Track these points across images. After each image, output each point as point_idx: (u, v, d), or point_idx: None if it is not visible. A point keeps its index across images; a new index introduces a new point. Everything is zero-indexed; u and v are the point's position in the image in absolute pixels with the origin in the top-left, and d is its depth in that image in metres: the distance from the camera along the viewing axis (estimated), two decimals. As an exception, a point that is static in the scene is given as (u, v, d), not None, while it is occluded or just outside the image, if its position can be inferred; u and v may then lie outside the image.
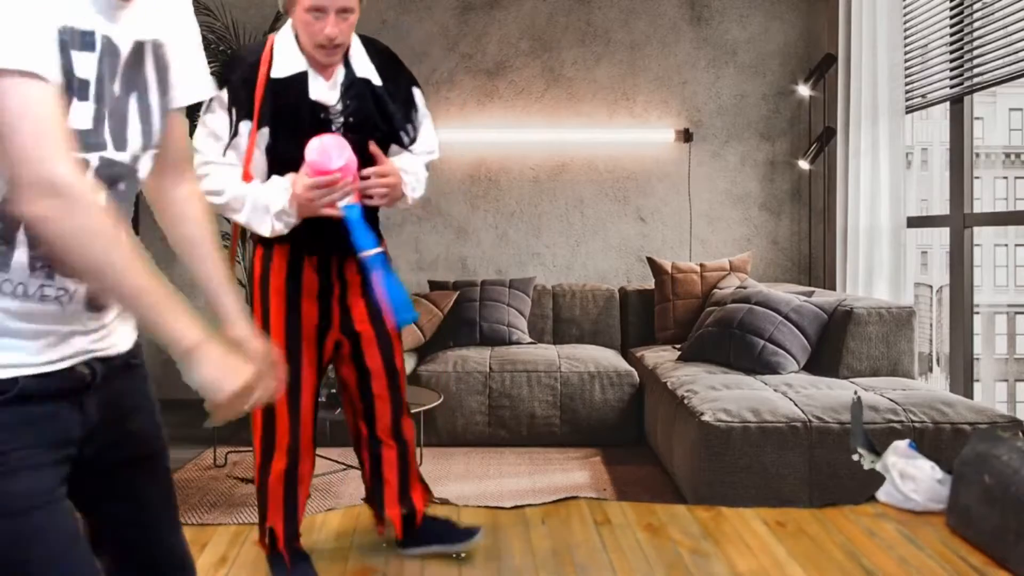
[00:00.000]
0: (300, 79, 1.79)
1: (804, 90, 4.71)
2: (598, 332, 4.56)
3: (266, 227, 1.78)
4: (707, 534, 1.93)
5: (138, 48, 1.03)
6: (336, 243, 1.84)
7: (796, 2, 4.92)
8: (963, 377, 3.43)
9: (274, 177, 1.81)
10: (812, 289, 4.05)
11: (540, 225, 4.97)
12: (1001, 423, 2.71)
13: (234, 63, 1.83)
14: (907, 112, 3.89)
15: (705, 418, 2.76)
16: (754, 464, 2.70)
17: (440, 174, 4.67)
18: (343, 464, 3.42)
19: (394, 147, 1.98)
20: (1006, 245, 13.98)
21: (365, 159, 1.86)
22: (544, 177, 4.97)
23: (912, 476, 2.04)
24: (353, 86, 1.85)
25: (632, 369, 3.98)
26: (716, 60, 4.92)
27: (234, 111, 1.76)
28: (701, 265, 4.43)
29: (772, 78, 4.92)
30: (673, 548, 1.85)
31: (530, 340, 4.43)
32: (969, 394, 3.39)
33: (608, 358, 4.09)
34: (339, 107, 1.83)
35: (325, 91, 1.82)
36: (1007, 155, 14.45)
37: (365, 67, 1.87)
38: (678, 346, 4.08)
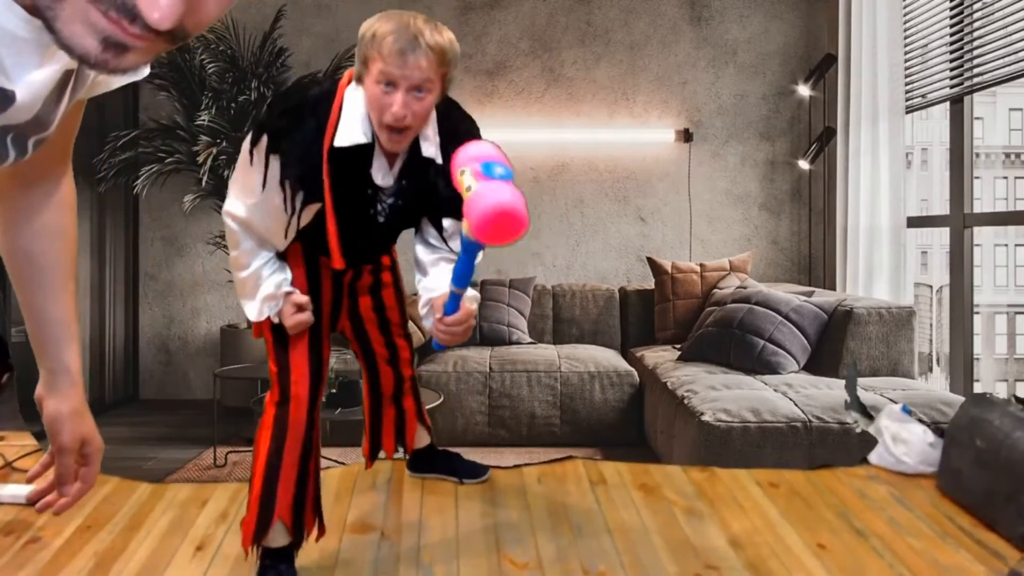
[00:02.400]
0: (365, 151, 1.54)
1: (804, 90, 4.71)
2: (598, 332, 4.56)
3: (251, 313, 1.62)
4: (701, 494, 1.92)
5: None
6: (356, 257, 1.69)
7: (796, 2, 4.92)
8: (963, 377, 3.43)
9: (285, 280, 1.62)
10: (812, 289, 4.05)
11: (540, 225, 4.97)
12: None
13: (297, 114, 1.50)
14: (907, 112, 3.89)
15: (705, 418, 2.76)
16: (754, 464, 2.70)
17: (440, 174, 4.68)
18: (342, 464, 3.41)
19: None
20: (1006, 245, 13.96)
21: (393, 237, 1.73)
22: (544, 177, 4.97)
23: (904, 439, 2.03)
24: (414, 168, 1.60)
25: (632, 369, 3.98)
26: (716, 60, 4.92)
27: (287, 184, 1.50)
28: (701, 265, 4.43)
29: (772, 78, 4.92)
30: (667, 507, 1.84)
31: (530, 340, 4.43)
32: (969, 394, 3.38)
33: (608, 358, 4.08)
34: (392, 189, 1.61)
35: (384, 172, 1.58)
36: (1007, 155, 14.43)
37: (432, 146, 1.62)
38: (678, 346, 4.08)
